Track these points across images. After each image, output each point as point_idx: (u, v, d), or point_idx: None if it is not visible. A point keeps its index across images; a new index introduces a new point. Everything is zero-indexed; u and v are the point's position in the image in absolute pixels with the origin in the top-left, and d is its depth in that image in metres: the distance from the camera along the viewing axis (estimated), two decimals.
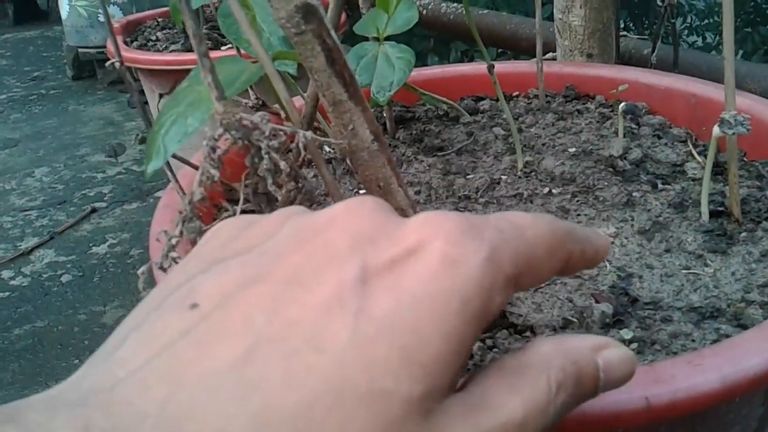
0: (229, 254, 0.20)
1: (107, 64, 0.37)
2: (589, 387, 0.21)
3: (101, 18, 2.44)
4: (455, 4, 1.08)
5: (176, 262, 0.34)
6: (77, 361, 1.09)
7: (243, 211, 0.30)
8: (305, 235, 0.19)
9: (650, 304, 0.37)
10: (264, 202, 0.31)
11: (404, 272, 0.18)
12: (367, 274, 0.18)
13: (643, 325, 0.36)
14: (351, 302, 0.17)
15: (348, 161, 0.52)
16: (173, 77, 1.06)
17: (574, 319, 0.36)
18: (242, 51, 0.50)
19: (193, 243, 0.28)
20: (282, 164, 0.29)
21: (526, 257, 0.20)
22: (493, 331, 0.37)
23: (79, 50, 2.52)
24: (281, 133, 0.29)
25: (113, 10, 2.43)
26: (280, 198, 0.30)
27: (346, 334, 0.16)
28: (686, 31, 2.58)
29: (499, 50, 1.40)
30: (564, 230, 0.22)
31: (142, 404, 0.16)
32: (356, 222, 0.19)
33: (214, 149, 0.28)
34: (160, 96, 1.12)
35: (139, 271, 0.30)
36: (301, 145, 0.29)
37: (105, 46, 2.49)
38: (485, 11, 0.98)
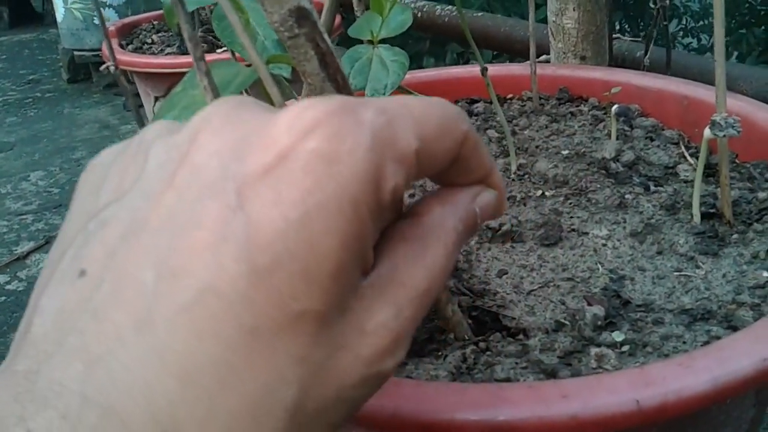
0: (102, 203, 0.19)
1: (102, 67, 0.37)
2: (471, 226, 0.22)
3: (97, 21, 2.44)
4: (450, 7, 1.09)
5: None
6: None
7: None
8: (171, 164, 0.18)
9: (642, 306, 0.37)
10: None
11: (283, 182, 0.16)
12: (244, 196, 0.16)
13: (635, 327, 0.36)
14: (236, 235, 0.16)
15: None
16: (169, 80, 1.06)
17: (567, 322, 0.36)
18: (237, 54, 0.51)
19: None
20: None
21: (417, 134, 0.19)
22: (486, 334, 0.37)
23: (75, 53, 2.52)
24: None
25: (108, 12, 2.43)
26: None
27: (242, 271, 0.16)
28: (681, 33, 2.59)
29: (495, 53, 1.40)
30: (455, 109, 0.21)
31: (66, 383, 0.15)
32: (220, 136, 0.18)
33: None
34: (156, 99, 1.12)
35: None
36: None
37: (100, 49, 2.49)
38: (480, 14, 0.99)
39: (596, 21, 0.66)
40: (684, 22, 2.58)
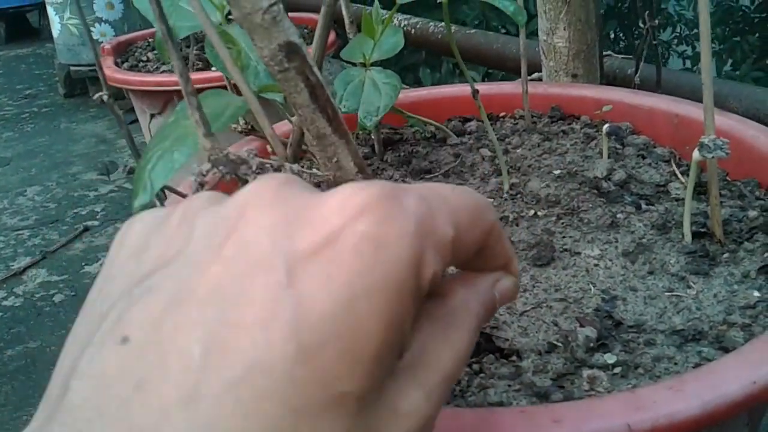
0: (145, 270, 0.19)
1: (95, 96, 0.37)
2: (489, 316, 0.23)
3: (93, 35, 2.45)
4: (443, 24, 1.10)
5: None
6: None
7: None
8: (219, 236, 0.18)
9: (634, 327, 0.38)
10: None
11: (333, 263, 0.16)
12: (294, 274, 0.16)
13: (627, 348, 0.36)
14: (286, 312, 0.16)
15: None
16: (164, 98, 1.06)
17: (559, 343, 0.37)
18: (231, 80, 0.51)
19: None
20: None
21: (453, 224, 0.19)
22: (480, 355, 0.37)
23: (71, 68, 2.53)
24: (268, 166, 0.30)
25: (105, 28, 2.44)
26: None
27: (290, 349, 0.16)
28: (675, 41, 2.61)
29: (487, 69, 1.41)
30: (485, 200, 0.22)
31: None
32: (269, 212, 0.18)
33: (202, 184, 0.29)
34: (151, 116, 1.12)
35: None
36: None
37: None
38: (472, 31, 0.99)
39: (587, 39, 0.67)
40: (678, 30, 2.59)
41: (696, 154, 0.42)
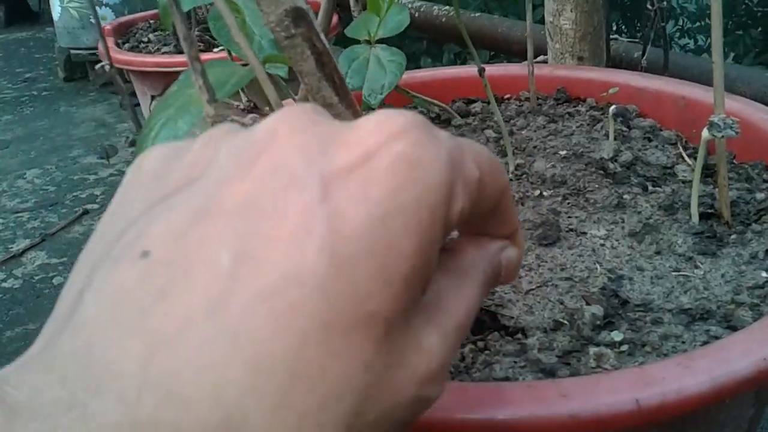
0: (168, 191, 0.18)
1: (97, 66, 0.37)
2: (496, 280, 0.23)
3: (93, 19, 2.43)
4: (447, 7, 1.09)
5: None
6: None
7: None
8: (248, 156, 0.17)
9: (641, 306, 0.37)
10: None
11: (368, 180, 0.16)
12: (329, 190, 0.16)
13: (634, 327, 0.36)
14: (320, 226, 0.16)
15: None
16: (165, 79, 1.05)
17: (565, 321, 0.36)
18: (233, 54, 0.50)
19: None
20: None
21: (478, 165, 0.19)
22: (485, 333, 0.37)
23: (71, 52, 2.51)
24: None
25: (105, 11, 2.43)
26: None
27: (324, 262, 0.15)
28: (678, 34, 2.59)
29: (492, 53, 1.40)
30: (498, 161, 0.21)
31: (124, 364, 0.15)
32: (302, 134, 0.18)
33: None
34: (152, 98, 1.11)
35: None
36: None
37: (97, 48, 2.48)
38: (477, 14, 0.98)
39: (593, 22, 0.66)
40: (681, 23, 2.58)
41: (705, 133, 0.41)
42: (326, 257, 0.15)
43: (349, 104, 0.31)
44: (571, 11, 0.65)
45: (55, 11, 2.46)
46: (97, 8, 2.39)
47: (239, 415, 0.14)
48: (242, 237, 0.16)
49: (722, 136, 0.40)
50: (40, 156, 1.98)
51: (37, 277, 1.34)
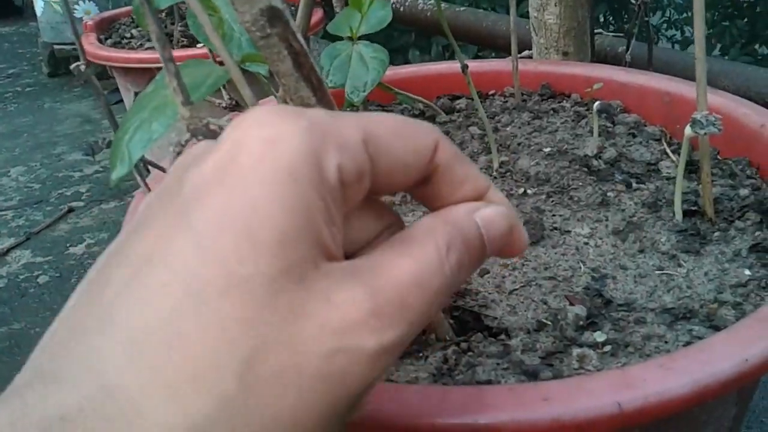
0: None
1: (72, 66, 0.36)
2: (476, 244, 0.22)
3: (77, 14, 2.41)
4: (432, 0, 1.08)
5: None
6: None
7: None
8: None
9: (624, 305, 0.37)
10: None
11: (231, 170, 0.18)
12: (196, 191, 0.18)
13: (617, 326, 0.36)
14: (186, 217, 0.17)
15: None
16: (148, 75, 1.04)
17: (548, 322, 0.36)
18: (214, 52, 0.50)
19: None
20: None
21: (363, 127, 0.20)
22: (468, 334, 0.37)
23: (55, 47, 2.49)
24: None
25: (89, 6, 2.40)
26: None
27: (189, 242, 0.17)
28: (665, 25, 2.60)
29: (478, 48, 1.40)
30: (422, 122, 0.22)
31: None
32: (185, 157, 0.20)
33: (179, 154, 0.28)
34: (135, 94, 1.10)
35: None
36: None
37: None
38: (462, 9, 0.98)
39: (578, 17, 0.66)
40: (668, 14, 2.58)
41: (688, 130, 0.41)
42: (190, 238, 0.17)
43: (327, 105, 0.30)
44: (555, 6, 0.65)
45: (38, 6, 2.43)
46: (81, 2, 2.37)
47: (120, 394, 0.16)
48: (128, 244, 0.18)
49: (705, 134, 0.40)
50: (24, 153, 1.96)
51: (21, 276, 1.33)
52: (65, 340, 0.18)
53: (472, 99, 0.65)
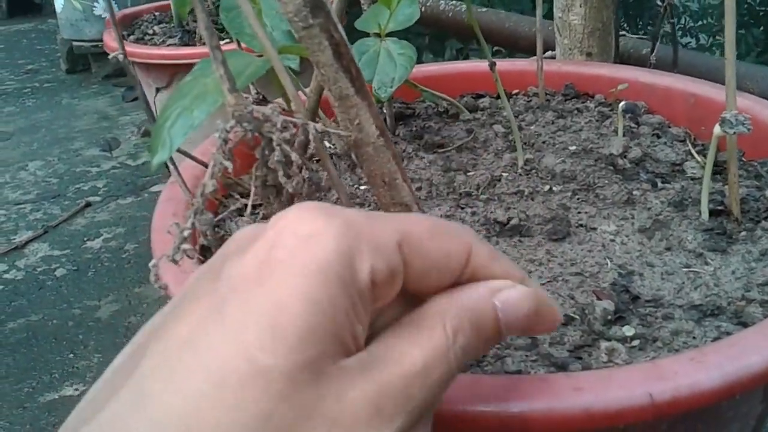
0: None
1: (110, 56, 0.37)
2: (489, 328, 0.22)
3: (96, 11, 2.43)
4: (453, 2, 1.09)
5: (188, 255, 0.34)
6: (71, 355, 1.09)
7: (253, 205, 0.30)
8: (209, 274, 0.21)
9: (651, 301, 0.37)
10: (273, 194, 0.31)
11: (267, 265, 0.18)
12: (234, 284, 0.19)
13: (645, 322, 0.36)
14: (221, 309, 0.18)
15: (353, 156, 0.52)
16: (170, 71, 1.05)
17: (576, 316, 0.36)
18: (243, 45, 0.50)
19: (205, 235, 0.28)
20: (293, 156, 0.29)
21: (399, 230, 0.20)
22: None
23: (74, 44, 2.51)
24: (292, 125, 0.29)
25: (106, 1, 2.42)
26: (290, 189, 0.30)
27: (218, 331, 0.18)
28: (680, 33, 2.59)
29: (494, 48, 1.40)
30: (456, 223, 0.23)
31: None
32: (229, 244, 0.21)
33: (225, 141, 0.28)
34: (157, 90, 1.11)
35: (150, 264, 0.30)
36: (310, 137, 0.29)
37: (100, 40, 2.48)
38: (484, 9, 0.98)
39: (602, 17, 0.66)
40: (683, 21, 2.57)
41: (717, 129, 0.41)
42: (220, 325, 0.18)
43: (364, 96, 0.31)
44: (581, 6, 0.65)
45: (58, 3, 2.45)
46: (100, 0, 2.39)
47: None
48: (166, 325, 0.19)
49: (734, 133, 0.40)
50: (42, 148, 1.98)
51: (39, 269, 1.34)
52: (101, 401, 0.18)
53: (496, 97, 0.65)
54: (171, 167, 0.42)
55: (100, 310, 1.20)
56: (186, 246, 0.30)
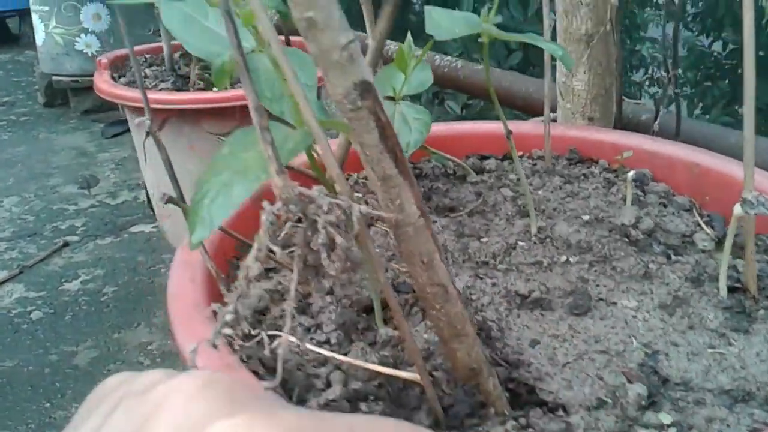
0: None
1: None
2: None
3: (77, 46, 2.42)
4: (448, 57, 1.10)
5: (231, 338, 0.33)
6: (48, 404, 1.04)
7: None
8: None
9: (681, 384, 0.37)
10: (312, 274, 0.30)
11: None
12: None
13: (677, 407, 0.35)
14: None
15: (391, 234, 0.51)
16: (162, 115, 1.04)
17: (608, 399, 0.36)
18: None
19: (246, 319, 0.27)
20: (338, 239, 0.28)
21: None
22: (524, 408, 0.36)
23: (53, 78, 2.48)
24: (337, 205, 0.28)
25: (90, 39, 2.41)
26: (333, 273, 0.29)
27: None
28: (647, 82, 2.65)
29: (482, 104, 1.42)
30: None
31: None
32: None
33: (272, 224, 0.27)
34: (147, 133, 1.10)
35: (190, 349, 0.29)
36: (355, 220, 0.29)
37: (81, 75, 2.46)
38: (479, 66, 1.00)
39: (605, 84, 0.67)
40: (650, 71, 2.64)
41: (738, 209, 0.42)
42: None
43: (406, 176, 0.31)
44: (585, 73, 0.66)
45: (39, 36, 2.43)
46: (83, 35, 2.38)
47: None
48: None
49: (755, 213, 0.41)
50: (18, 183, 1.94)
51: (14, 311, 1.30)
52: None
53: (502, 160, 0.66)
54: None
55: (78, 357, 1.16)
56: (228, 330, 0.29)
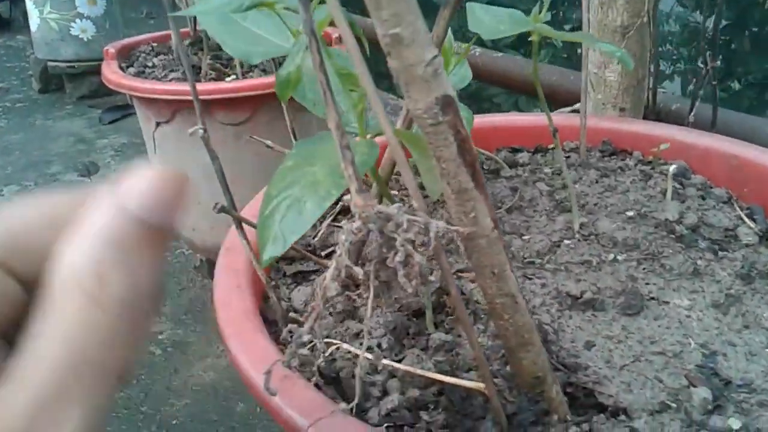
0: None
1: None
2: (131, 232, 0.18)
3: (73, 31, 2.38)
4: (479, 50, 1.08)
5: (303, 362, 0.32)
6: None
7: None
8: None
9: (743, 386, 0.37)
10: (384, 290, 0.30)
11: None
12: None
13: (740, 409, 0.35)
14: None
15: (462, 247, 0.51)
16: (173, 107, 1.03)
17: (671, 403, 0.36)
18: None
19: (321, 339, 0.27)
20: (416, 258, 0.28)
21: None
22: (587, 414, 0.36)
23: (49, 64, 2.45)
24: (416, 223, 0.28)
25: (86, 24, 2.37)
26: (409, 290, 0.28)
27: None
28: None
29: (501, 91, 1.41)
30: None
31: None
32: None
33: (352, 243, 0.27)
34: (157, 124, 1.09)
35: (263, 371, 0.29)
36: (432, 236, 0.28)
37: (77, 60, 2.43)
38: (500, 54, 0.99)
39: (638, 75, 0.67)
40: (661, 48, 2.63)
41: None
42: None
43: (482, 190, 0.30)
44: (617, 64, 0.66)
45: (33, 22, 2.39)
46: (78, 20, 2.34)
47: None
48: None
49: None
50: (16, 172, 1.92)
51: None
52: None
53: (534, 153, 0.65)
54: (243, 242, 0.40)
55: None
56: (303, 351, 0.29)
